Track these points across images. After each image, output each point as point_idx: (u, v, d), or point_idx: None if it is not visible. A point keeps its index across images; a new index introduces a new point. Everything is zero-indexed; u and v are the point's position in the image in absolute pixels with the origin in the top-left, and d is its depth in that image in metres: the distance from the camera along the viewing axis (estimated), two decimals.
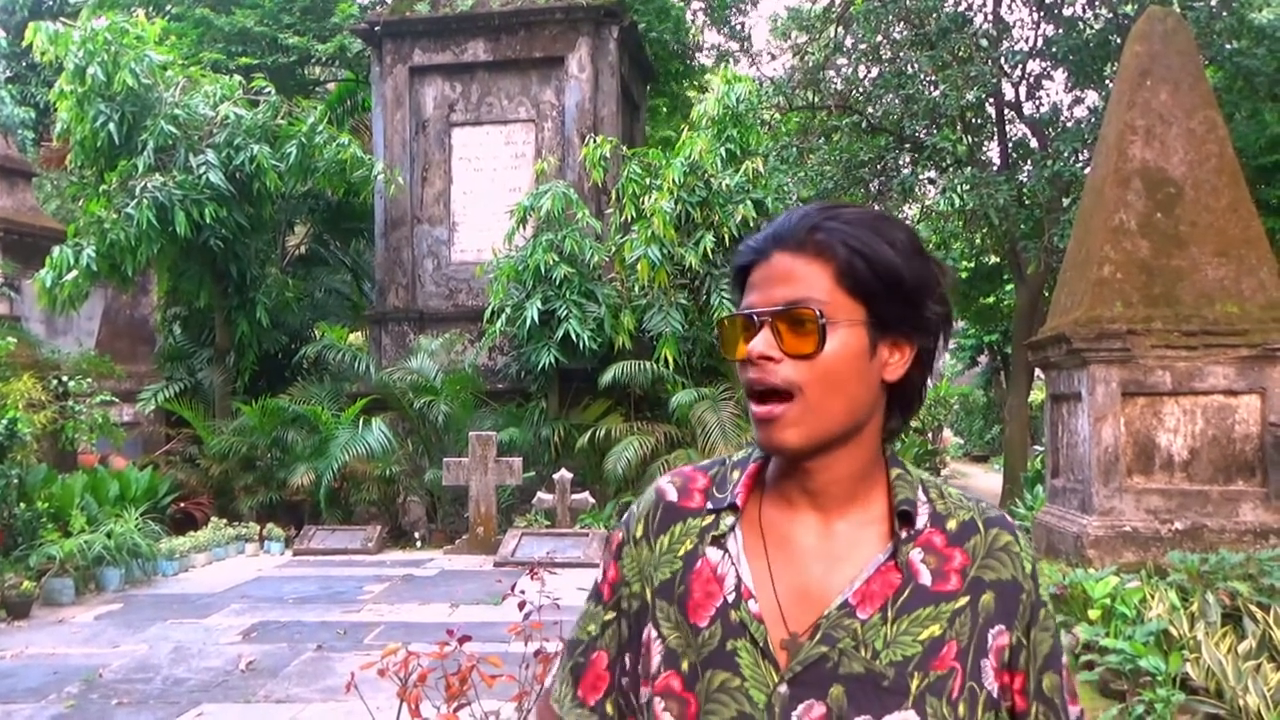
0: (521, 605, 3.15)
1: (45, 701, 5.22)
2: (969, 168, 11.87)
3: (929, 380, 1.14)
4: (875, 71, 12.83)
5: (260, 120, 11.21)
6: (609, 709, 1.12)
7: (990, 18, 12.62)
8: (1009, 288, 16.66)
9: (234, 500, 11.13)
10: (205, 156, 10.72)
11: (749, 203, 10.58)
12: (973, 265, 17.63)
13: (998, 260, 16.61)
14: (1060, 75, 12.46)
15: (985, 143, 13.71)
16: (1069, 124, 12.23)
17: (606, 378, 10.51)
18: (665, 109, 17.93)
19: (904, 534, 1.05)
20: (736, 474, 1.12)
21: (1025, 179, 12.11)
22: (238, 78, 11.97)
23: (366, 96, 14.16)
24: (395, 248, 12.56)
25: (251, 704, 5.16)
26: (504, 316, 10.77)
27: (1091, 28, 11.76)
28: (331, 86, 16.38)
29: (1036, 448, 13.21)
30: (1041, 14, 12.38)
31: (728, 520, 1.08)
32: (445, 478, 10.11)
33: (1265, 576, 4.99)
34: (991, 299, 19.22)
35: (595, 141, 11.07)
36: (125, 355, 12.71)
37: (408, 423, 11.37)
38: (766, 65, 17.05)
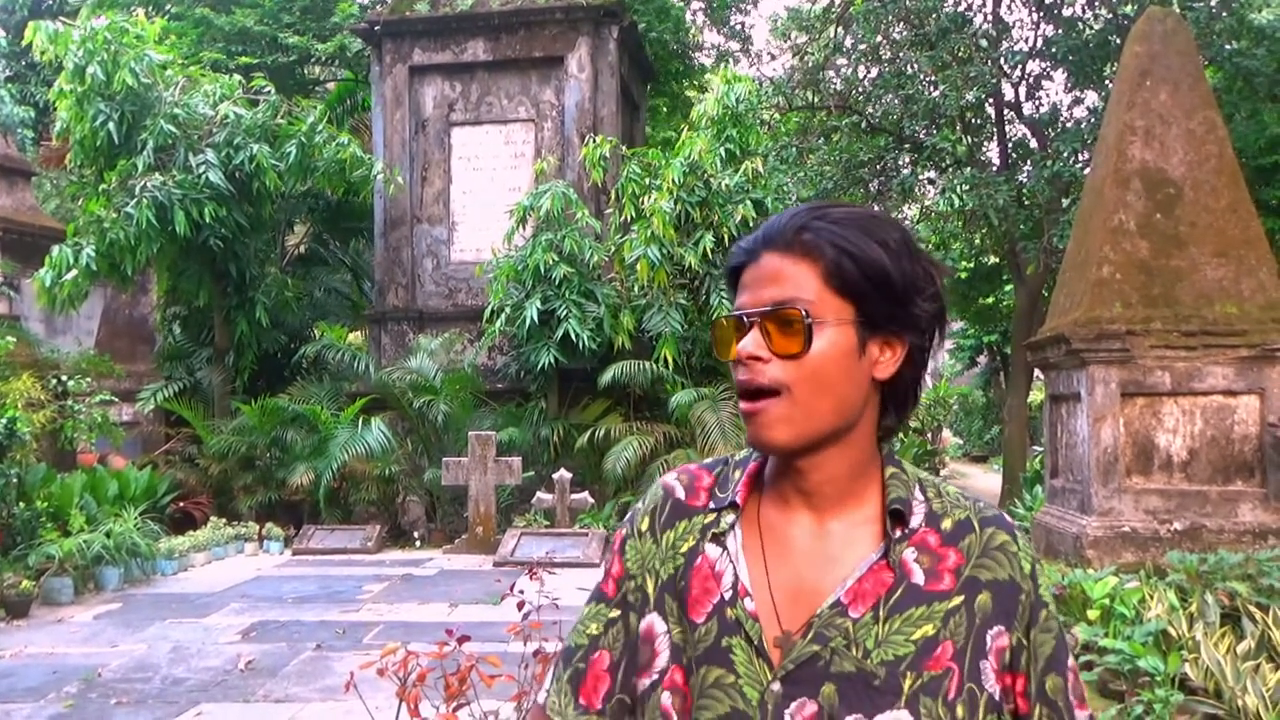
0: (520, 605, 3.14)
1: (44, 701, 5.23)
2: (968, 168, 11.85)
3: (924, 378, 1.14)
4: (875, 72, 12.82)
5: (260, 120, 11.21)
6: (613, 709, 1.11)
7: (990, 18, 12.61)
8: (1008, 288, 16.64)
9: (233, 500, 11.13)
10: (205, 156, 10.72)
11: (748, 203, 10.58)
12: (972, 266, 17.61)
13: (997, 261, 16.58)
14: (1060, 76, 12.46)
15: (985, 143, 13.69)
16: (1068, 124, 12.22)
17: (606, 378, 10.51)
18: (665, 109, 17.93)
19: (897, 533, 1.04)
20: (737, 473, 1.12)
21: (1025, 179, 12.09)
22: (237, 77, 11.97)
23: (366, 96, 14.16)
24: (395, 247, 12.56)
25: (250, 703, 5.17)
26: (503, 316, 10.77)
27: (1091, 28, 11.75)
28: (331, 86, 16.37)
29: (1036, 448, 13.21)
30: (1041, 14, 12.37)
31: (728, 518, 1.09)
32: (444, 477, 10.12)
33: (1264, 577, 4.98)
34: (991, 299, 19.19)
35: (595, 141, 11.07)
36: (124, 355, 12.69)
37: (407, 422, 11.38)
38: (766, 65, 17.11)
